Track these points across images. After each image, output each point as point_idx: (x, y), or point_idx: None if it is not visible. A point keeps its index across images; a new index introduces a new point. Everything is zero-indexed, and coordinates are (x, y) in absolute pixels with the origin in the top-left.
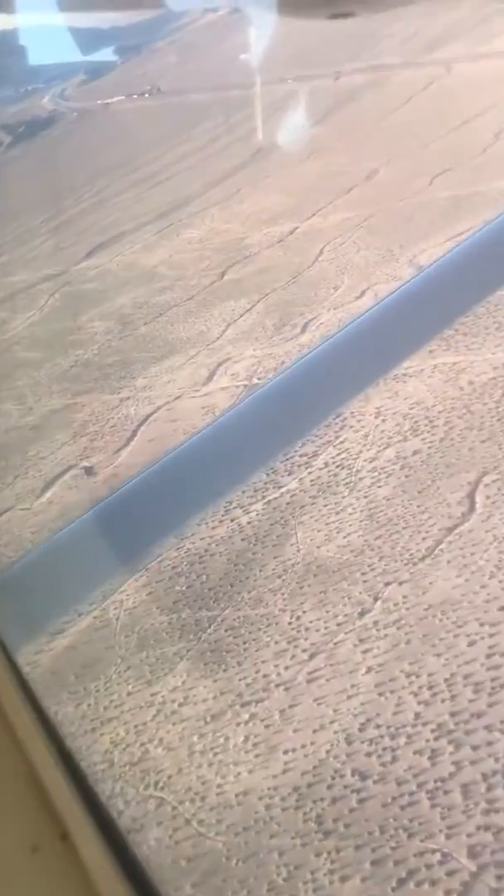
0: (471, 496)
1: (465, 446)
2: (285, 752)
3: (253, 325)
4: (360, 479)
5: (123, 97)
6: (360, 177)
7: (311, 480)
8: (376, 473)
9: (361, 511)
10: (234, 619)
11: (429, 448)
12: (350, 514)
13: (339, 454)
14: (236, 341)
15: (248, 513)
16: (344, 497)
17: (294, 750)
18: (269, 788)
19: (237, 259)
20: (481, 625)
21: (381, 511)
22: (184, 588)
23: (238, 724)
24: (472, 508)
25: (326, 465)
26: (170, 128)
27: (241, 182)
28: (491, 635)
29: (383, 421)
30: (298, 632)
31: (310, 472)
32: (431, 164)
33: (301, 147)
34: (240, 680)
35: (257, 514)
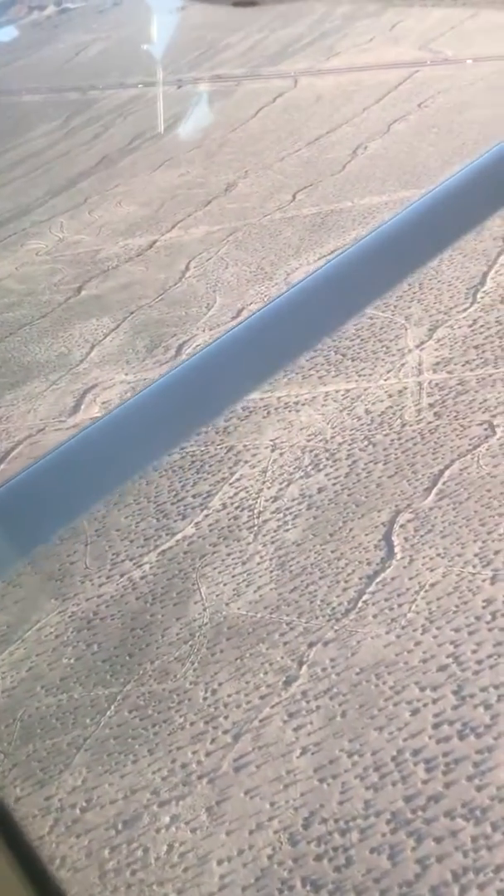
0: (387, 539)
1: (372, 482)
2: (219, 863)
3: (121, 346)
4: (264, 521)
5: None
6: (217, 189)
7: (209, 525)
8: (281, 515)
9: (270, 559)
10: (139, 697)
11: (334, 485)
12: (258, 563)
13: (236, 493)
14: (103, 365)
15: (139, 566)
16: (249, 543)
17: (230, 859)
18: None
19: (94, 273)
20: (422, 689)
21: (293, 559)
22: (72, 661)
23: (158, 831)
24: (390, 553)
25: (224, 506)
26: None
27: (89, 190)
28: (434, 700)
29: (281, 454)
30: (217, 709)
31: (206, 515)
32: (291, 179)
33: (150, 155)
34: (153, 773)
35: (151, 567)
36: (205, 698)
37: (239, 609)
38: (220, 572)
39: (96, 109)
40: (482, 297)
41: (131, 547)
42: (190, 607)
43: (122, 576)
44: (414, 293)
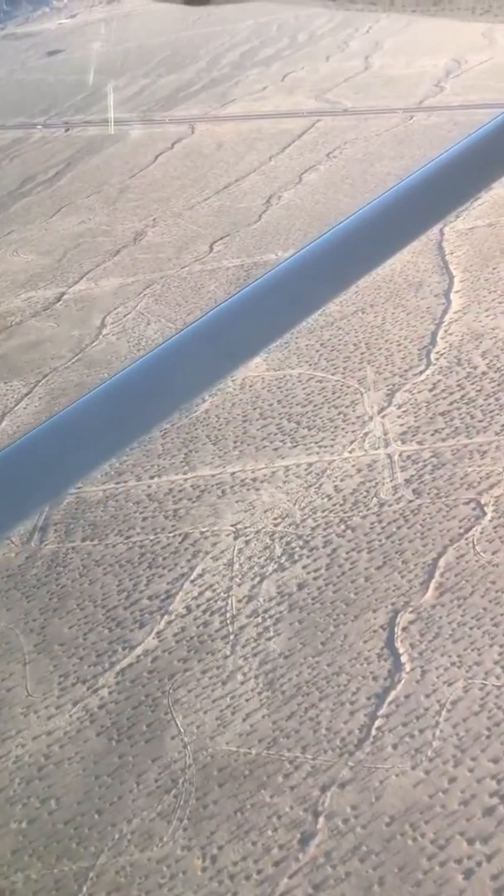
0: (391, 646)
1: (358, 575)
2: None
3: (37, 414)
4: (241, 628)
5: None
6: (125, 238)
7: (175, 634)
8: (259, 619)
9: (256, 677)
10: (118, 873)
11: (315, 579)
12: (241, 682)
13: (201, 592)
14: (16, 436)
15: (94, 690)
16: (226, 657)
17: None
18: None
19: None
20: (470, 841)
21: (283, 676)
22: (24, 826)
23: None
24: (398, 664)
25: (189, 609)
26: None
27: None
28: (489, 857)
29: (246, 542)
30: (221, 883)
31: (169, 622)
32: (204, 229)
33: (44, 200)
34: None
35: (110, 692)
36: (204, 869)
37: (228, 745)
38: (196, 696)
39: None
40: (437, 359)
41: (81, 666)
42: (166, 744)
43: (74, 704)
44: (362, 354)
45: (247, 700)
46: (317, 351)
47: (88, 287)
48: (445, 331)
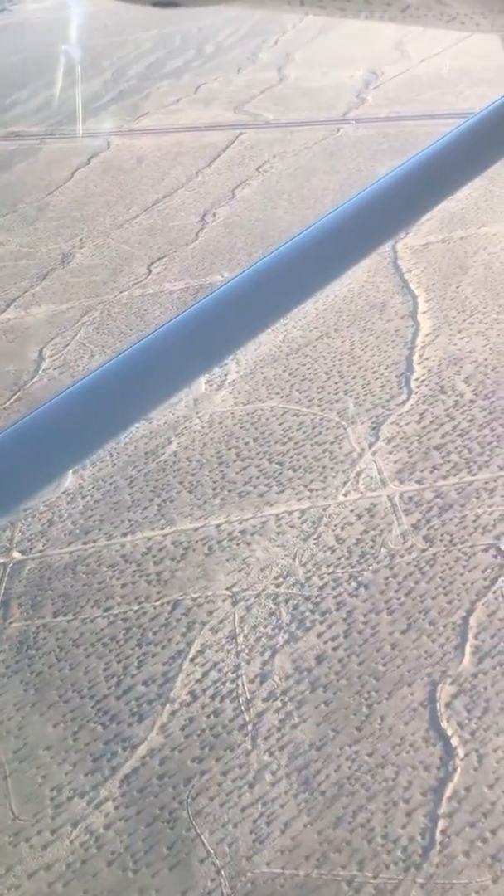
0: (436, 727)
1: (382, 641)
2: None
3: None
4: (259, 714)
5: None
6: (52, 260)
7: (182, 727)
8: (279, 703)
9: (287, 775)
10: None
11: (335, 649)
12: (272, 783)
13: (205, 674)
14: None
15: (98, 806)
16: (248, 752)
17: None
18: None
19: None
20: None
21: (319, 772)
22: None
23: None
24: (449, 750)
25: (194, 695)
26: None
27: None
28: None
29: (247, 609)
30: None
31: (173, 713)
32: (138, 249)
33: None
34: None
35: (117, 807)
36: None
37: (269, 866)
38: (221, 804)
39: None
40: (417, 387)
41: (76, 775)
42: (195, 870)
43: (74, 826)
44: (336, 384)
45: (281, 806)
46: (286, 381)
47: (18, 315)
48: (420, 355)
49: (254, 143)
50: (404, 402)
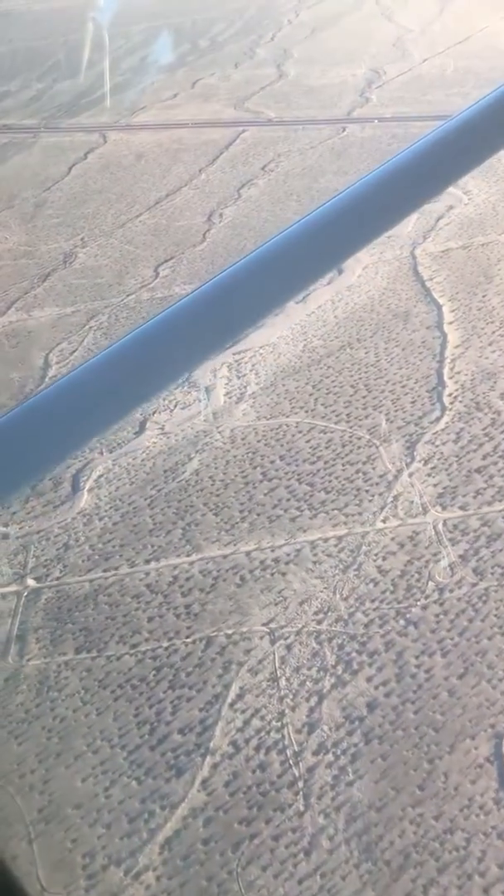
0: None
1: (439, 687)
2: None
3: None
4: (310, 770)
5: None
6: (53, 260)
7: (226, 783)
8: (330, 756)
9: (347, 842)
10: None
11: (387, 696)
12: (328, 851)
13: (246, 721)
14: None
15: (137, 877)
16: (301, 813)
17: None
18: None
19: None
20: None
21: (381, 837)
22: None
23: None
24: None
25: (236, 746)
26: None
27: None
28: None
29: (287, 648)
30: None
31: (215, 767)
32: (143, 250)
33: None
34: None
35: (158, 878)
36: None
37: None
38: (276, 875)
39: None
40: (451, 403)
41: (111, 839)
42: None
43: None
44: (364, 398)
45: (343, 878)
46: (310, 395)
47: (20, 319)
48: (451, 369)
49: (257, 142)
50: (438, 420)
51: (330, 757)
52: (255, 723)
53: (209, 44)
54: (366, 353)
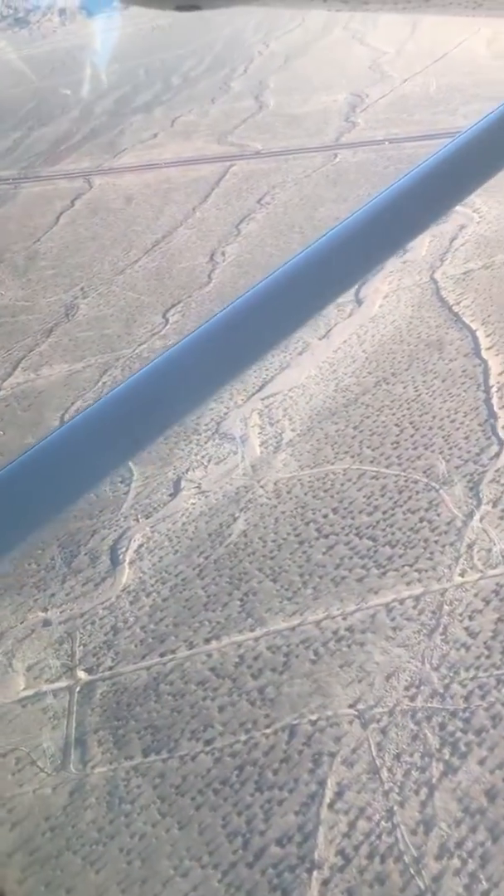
0: None
1: None
2: None
3: None
4: (436, 879)
5: None
6: (54, 314)
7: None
8: (456, 860)
9: None
10: None
11: None
12: None
13: (350, 824)
14: None
15: None
16: None
17: None
18: None
19: None
20: None
21: None
22: None
23: None
24: None
25: (345, 856)
26: None
27: None
28: None
29: (383, 733)
30: None
31: (325, 883)
32: (148, 296)
33: None
34: None
35: None
36: None
37: None
38: None
39: None
40: None
41: None
42: None
43: None
44: (412, 437)
45: None
46: (353, 437)
47: (28, 379)
48: (500, 398)
49: (248, 175)
50: (498, 455)
51: (456, 862)
52: (362, 825)
53: (182, 81)
54: (404, 387)
